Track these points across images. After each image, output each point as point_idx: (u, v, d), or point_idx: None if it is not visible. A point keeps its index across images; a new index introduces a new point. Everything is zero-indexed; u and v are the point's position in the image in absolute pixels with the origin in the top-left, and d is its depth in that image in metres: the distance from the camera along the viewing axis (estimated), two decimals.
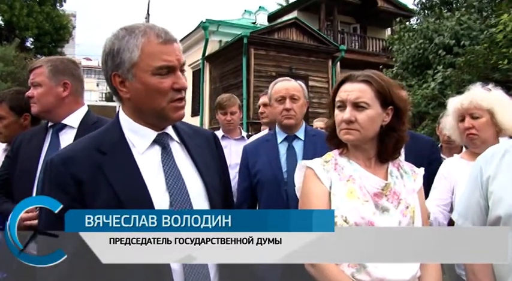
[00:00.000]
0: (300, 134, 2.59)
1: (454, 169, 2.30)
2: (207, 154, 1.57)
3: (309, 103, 2.72)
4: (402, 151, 2.61)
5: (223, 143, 3.68)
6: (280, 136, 2.61)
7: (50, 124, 2.26)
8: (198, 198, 1.43)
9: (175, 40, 1.39)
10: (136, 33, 1.34)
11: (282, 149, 2.57)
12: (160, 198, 1.34)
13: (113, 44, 1.36)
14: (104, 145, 1.37)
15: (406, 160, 2.56)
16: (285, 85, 2.61)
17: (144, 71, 1.33)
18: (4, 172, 2.30)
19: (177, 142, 1.50)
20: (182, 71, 1.41)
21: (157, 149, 1.43)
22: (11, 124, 2.56)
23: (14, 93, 2.64)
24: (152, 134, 1.42)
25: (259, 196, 2.53)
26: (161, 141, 1.44)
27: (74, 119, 2.23)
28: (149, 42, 1.34)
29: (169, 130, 1.49)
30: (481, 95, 2.23)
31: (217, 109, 3.92)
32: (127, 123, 1.43)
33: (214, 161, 1.60)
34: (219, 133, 3.95)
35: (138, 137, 1.41)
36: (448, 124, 2.41)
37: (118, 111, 1.47)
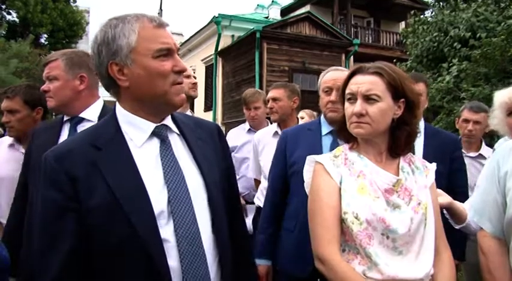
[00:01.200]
0: None
1: None
2: (207, 146, 1.54)
3: None
4: (420, 147, 2.60)
5: (248, 137, 3.93)
6: (326, 128, 2.43)
7: (66, 118, 2.22)
8: (197, 193, 1.40)
9: (167, 24, 1.39)
10: (129, 19, 1.33)
11: (326, 142, 2.40)
12: (158, 193, 1.31)
13: (105, 33, 1.34)
14: (100, 140, 1.34)
15: (425, 154, 2.53)
16: (333, 76, 2.41)
17: (144, 55, 1.32)
18: (22, 170, 2.28)
19: (176, 133, 1.48)
20: (178, 54, 1.41)
21: (155, 142, 1.40)
22: (24, 118, 2.61)
23: (27, 87, 2.68)
24: (150, 126, 1.39)
25: (293, 187, 2.38)
26: (160, 133, 1.41)
27: (91, 113, 2.20)
28: (144, 26, 1.33)
29: (169, 122, 1.46)
30: None
31: (243, 104, 3.95)
32: (124, 117, 1.40)
33: (216, 154, 1.56)
34: (246, 126, 4.02)
35: (136, 130, 1.38)
36: (495, 118, 2.32)
37: (114, 106, 1.44)
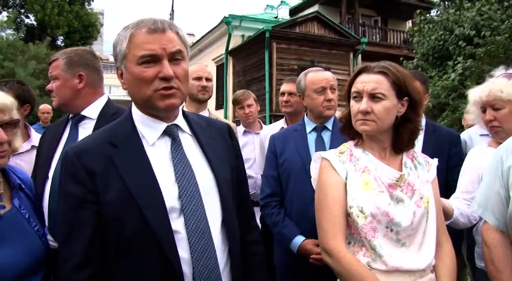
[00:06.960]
0: (329, 124, 2.58)
1: (481, 158, 2.19)
2: (219, 145, 1.57)
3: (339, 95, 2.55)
4: (420, 143, 2.66)
5: (245, 139, 3.99)
6: (309, 126, 2.60)
7: (70, 116, 2.24)
8: (207, 189, 1.44)
9: (164, 29, 1.36)
10: (129, 26, 1.38)
11: (311, 138, 2.56)
12: (170, 189, 1.36)
13: (115, 39, 1.42)
14: (116, 137, 1.40)
15: (424, 149, 2.55)
16: (324, 75, 2.58)
17: (131, 62, 1.35)
18: (34, 164, 2.29)
19: (188, 133, 1.51)
20: (176, 59, 1.38)
21: (167, 141, 1.44)
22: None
23: (17, 83, 2.83)
24: (162, 125, 1.44)
25: (286, 184, 2.51)
26: (171, 132, 1.45)
27: (92, 111, 2.19)
28: (137, 33, 1.35)
29: (180, 122, 1.50)
30: (499, 86, 2.16)
31: (235, 105, 4.03)
32: (138, 116, 1.45)
33: (227, 152, 1.60)
34: (241, 129, 4.03)
35: (148, 129, 1.43)
36: (472, 114, 2.35)
37: (131, 105, 1.50)
